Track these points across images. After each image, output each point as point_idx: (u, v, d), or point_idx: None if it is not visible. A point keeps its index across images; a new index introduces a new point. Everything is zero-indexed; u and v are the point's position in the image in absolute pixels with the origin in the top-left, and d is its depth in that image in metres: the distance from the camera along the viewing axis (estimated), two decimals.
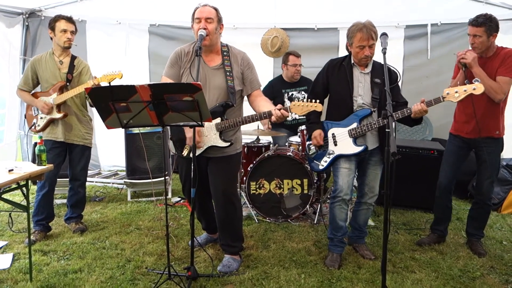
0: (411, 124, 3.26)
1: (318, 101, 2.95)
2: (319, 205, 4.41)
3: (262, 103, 3.17)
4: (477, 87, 2.90)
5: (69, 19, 3.83)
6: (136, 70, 5.88)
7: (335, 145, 3.37)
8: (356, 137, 3.29)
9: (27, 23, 5.76)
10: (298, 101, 2.98)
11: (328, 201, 3.51)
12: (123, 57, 5.90)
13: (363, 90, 3.30)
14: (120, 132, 4.98)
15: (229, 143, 3.13)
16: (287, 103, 4.97)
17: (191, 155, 2.86)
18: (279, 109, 2.89)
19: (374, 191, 3.47)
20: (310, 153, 3.53)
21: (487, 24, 3.31)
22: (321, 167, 3.47)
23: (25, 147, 5.76)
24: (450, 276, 3.21)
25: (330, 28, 5.80)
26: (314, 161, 3.51)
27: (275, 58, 5.95)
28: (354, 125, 3.29)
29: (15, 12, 5.60)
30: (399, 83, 3.43)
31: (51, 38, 3.86)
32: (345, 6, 5.52)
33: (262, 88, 3.44)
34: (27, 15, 5.73)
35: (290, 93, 5.03)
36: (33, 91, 3.97)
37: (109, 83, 3.65)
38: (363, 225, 3.62)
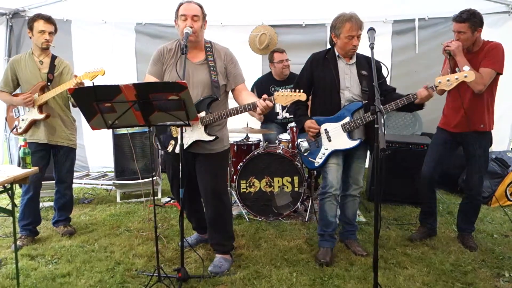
0: (413, 109, 3.24)
1: (302, 90, 2.91)
2: (310, 202, 4.40)
3: (247, 96, 3.15)
4: (468, 74, 2.90)
5: (48, 19, 3.70)
6: (123, 69, 5.82)
7: (329, 140, 3.33)
8: (350, 131, 3.27)
9: (10, 24, 5.67)
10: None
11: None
12: (109, 57, 5.82)
13: (350, 81, 3.29)
14: (108, 133, 4.91)
15: (214, 137, 3.09)
16: None
17: (176, 150, 2.81)
18: (264, 99, 2.86)
19: (358, 183, 3.49)
20: (302, 151, 3.48)
21: (471, 20, 3.31)
22: (316, 164, 3.41)
23: (11, 150, 5.67)
24: (442, 271, 3.21)
25: (318, 24, 5.79)
26: (309, 158, 3.44)
27: (263, 55, 5.91)
28: (347, 119, 3.26)
29: None
30: (388, 79, 3.43)
31: (30, 38, 3.76)
32: (333, 2, 5.46)
33: (250, 85, 3.40)
34: (10, 16, 5.64)
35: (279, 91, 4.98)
36: (13, 93, 3.87)
37: (92, 81, 3.56)
38: (353, 218, 3.61)
